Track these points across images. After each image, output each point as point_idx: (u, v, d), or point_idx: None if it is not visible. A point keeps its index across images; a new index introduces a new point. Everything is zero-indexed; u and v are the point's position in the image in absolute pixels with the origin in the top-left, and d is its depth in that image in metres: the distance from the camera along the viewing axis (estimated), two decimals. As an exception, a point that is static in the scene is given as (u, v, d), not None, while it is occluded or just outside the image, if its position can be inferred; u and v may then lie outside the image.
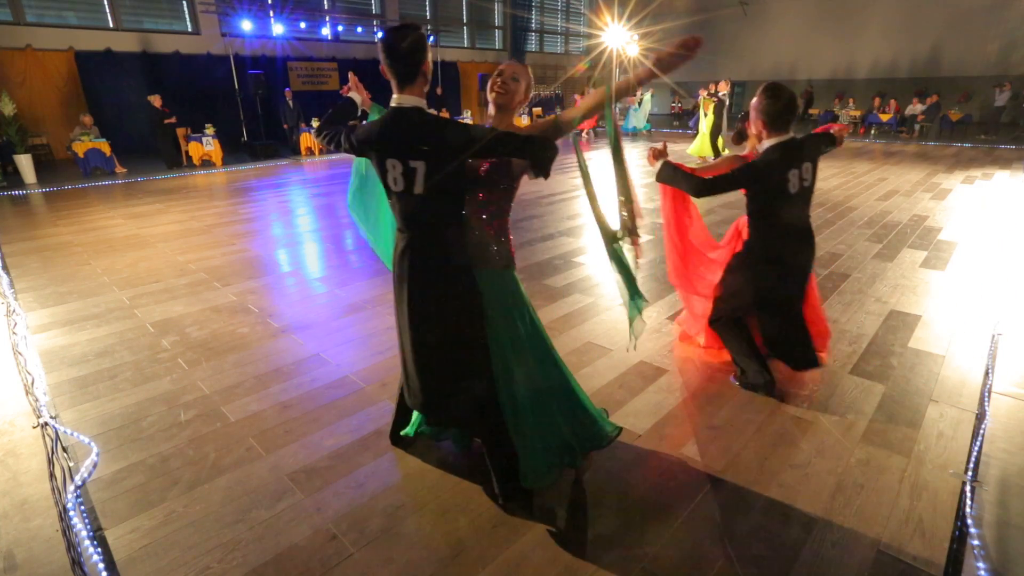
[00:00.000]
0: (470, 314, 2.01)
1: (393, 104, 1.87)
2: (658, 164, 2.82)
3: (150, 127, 11.33)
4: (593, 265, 5.09)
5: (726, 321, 2.99)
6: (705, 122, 11.47)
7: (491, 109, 2.12)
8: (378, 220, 2.60)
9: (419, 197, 1.85)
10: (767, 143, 2.65)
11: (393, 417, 2.54)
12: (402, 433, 2.52)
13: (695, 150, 11.67)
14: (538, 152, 1.83)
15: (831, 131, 2.90)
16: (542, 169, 1.86)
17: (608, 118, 1.94)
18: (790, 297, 2.83)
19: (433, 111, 1.89)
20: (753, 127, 2.73)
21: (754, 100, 2.63)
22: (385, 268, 5.28)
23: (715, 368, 3.20)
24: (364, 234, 2.68)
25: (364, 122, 2.01)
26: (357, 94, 2.31)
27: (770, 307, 2.84)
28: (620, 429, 2.38)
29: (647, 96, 16.61)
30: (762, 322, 2.93)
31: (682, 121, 18.05)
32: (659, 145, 2.90)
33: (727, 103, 11.42)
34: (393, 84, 1.86)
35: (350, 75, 2.31)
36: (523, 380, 2.12)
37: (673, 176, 2.84)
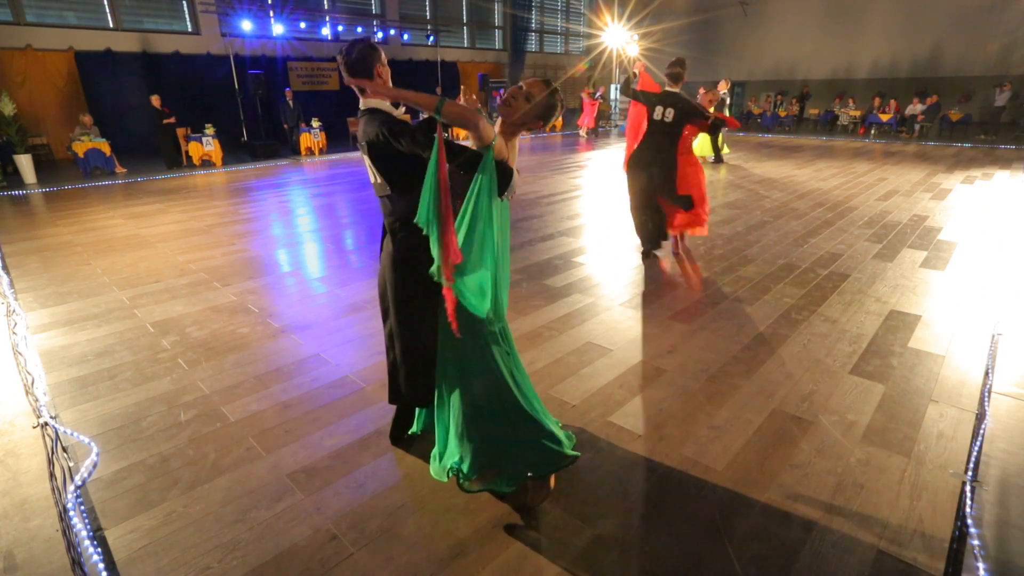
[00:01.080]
0: (413, 304, 2.19)
1: (360, 107, 2.09)
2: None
3: (150, 127, 11.32)
4: (593, 265, 5.09)
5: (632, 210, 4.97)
6: None
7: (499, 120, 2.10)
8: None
9: (378, 186, 2.15)
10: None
11: (394, 417, 2.56)
12: (409, 432, 2.58)
13: (696, 150, 11.62)
14: (417, 147, 1.91)
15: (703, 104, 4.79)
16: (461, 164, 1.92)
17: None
18: (645, 190, 4.72)
19: (392, 109, 2.04)
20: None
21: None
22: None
23: (715, 368, 3.20)
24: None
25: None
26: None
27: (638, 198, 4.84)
28: (576, 457, 2.17)
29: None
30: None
31: None
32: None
33: (728, 102, 11.39)
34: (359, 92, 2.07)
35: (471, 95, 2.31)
36: (472, 389, 2.12)
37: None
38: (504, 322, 2.14)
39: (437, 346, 2.16)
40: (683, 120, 4.50)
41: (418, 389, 2.29)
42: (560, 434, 2.23)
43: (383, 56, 2.06)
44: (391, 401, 2.48)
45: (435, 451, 2.30)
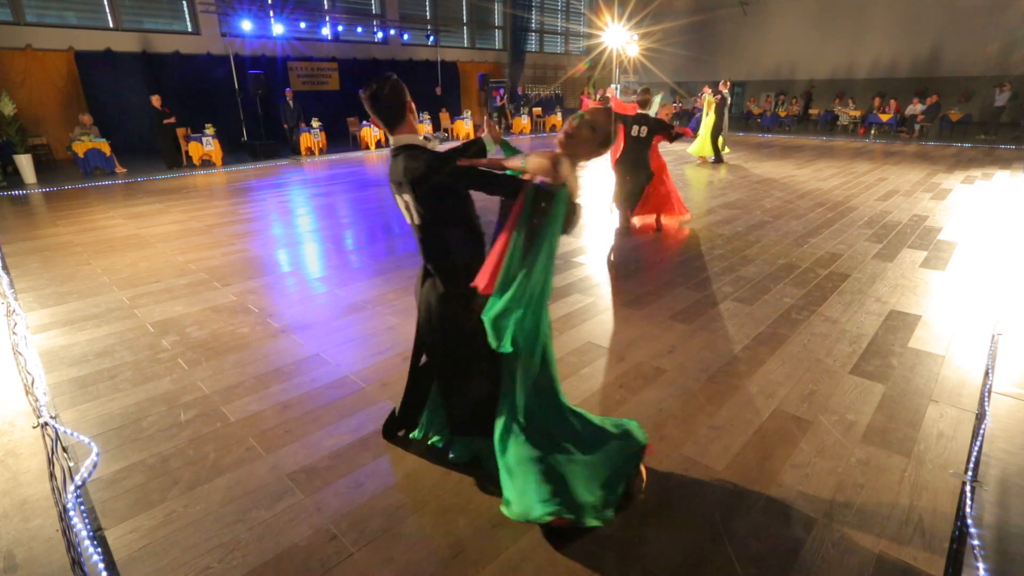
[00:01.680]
0: (461, 336, 2.13)
1: (392, 144, 2.05)
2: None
3: (150, 127, 11.32)
4: (593, 265, 5.09)
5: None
6: (706, 122, 11.44)
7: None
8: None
9: (418, 228, 2.08)
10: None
11: (396, 412, 2.54)
12: (411, 436, 2.56)
13: (695, 150, 11.65)
14: (499, 191, 1.97)
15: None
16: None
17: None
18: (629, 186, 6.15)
19: (425, 142, 2.02)
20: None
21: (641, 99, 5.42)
22: (384, 268, 5.30)
23: (715, 368, 3.20)
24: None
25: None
26: (489, 136, 2.14)
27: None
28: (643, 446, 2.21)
29: (657, 98, 16.59)
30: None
31: (682, 121, 18.05)
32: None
33: (729, 101, 11.38)
34: (385, 130, 2.05)
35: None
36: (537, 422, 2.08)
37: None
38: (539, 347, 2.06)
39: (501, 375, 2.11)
40: (653, 134, 5.96)
41: (479, 420, 2.19)
42: (625, 427, 2.25)
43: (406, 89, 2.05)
44: (400, 415, 2.53)
45: (508, 498, 2.01)
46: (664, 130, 5.96)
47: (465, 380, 2.21)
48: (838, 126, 17.32)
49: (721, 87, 11.22)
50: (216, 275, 4.90)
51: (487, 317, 1.92)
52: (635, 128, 5.91)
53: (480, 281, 1.93)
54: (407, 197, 2.01)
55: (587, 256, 5.36)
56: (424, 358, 2.40)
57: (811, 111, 18.25)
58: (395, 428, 2.58)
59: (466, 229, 2.10)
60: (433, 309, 2.18)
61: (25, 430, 2.68)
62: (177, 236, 6.22)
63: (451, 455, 2.39)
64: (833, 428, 2.64)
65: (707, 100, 11.23)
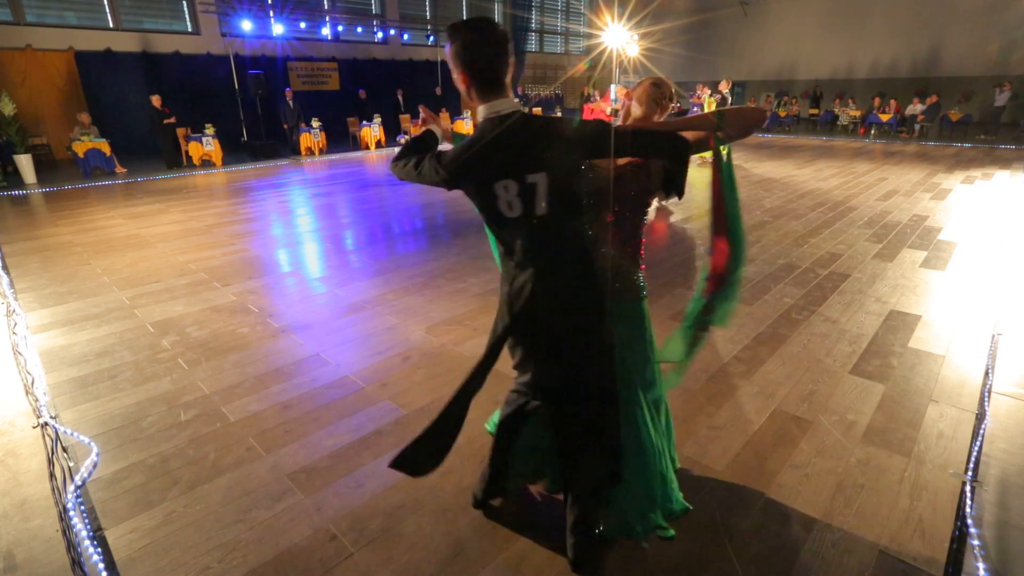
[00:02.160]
0: (607, 358, 1.72)
1: (489, 115, 1.52)
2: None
3: (150, 127, 11.32)
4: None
5: None
6: None
7: (637, 111, 1.90)
8: None
9: (542, 219, 1.53)
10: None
11: (487, 479, 2.07)
12: (508, 486, 2.11)
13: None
14: (682, 152, 1.62)
15: None
16: (677, 185, 1.72)
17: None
18: None
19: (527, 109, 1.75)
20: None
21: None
22: (384, 268, 5.30)
23: (715, 368, 3.20)
24: None
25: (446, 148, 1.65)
26: (436, 127, 1.82)
27: None
28: (687, 508, 2.08)
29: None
30: None
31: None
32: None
33: (729, 101, 11.35)
34: (475, 92, 1.52)
35: (422, 108, 1.93)
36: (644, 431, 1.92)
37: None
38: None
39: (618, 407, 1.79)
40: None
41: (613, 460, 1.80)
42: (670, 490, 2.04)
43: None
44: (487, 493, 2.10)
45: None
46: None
47: (616, 425, 1.78)
48: (838, 126, 17.32)
49: (721, 87, 11.19)
50: (216, 275, 4.90)
51: (728, 308, 1.75)
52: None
53: (716, 265, 1.74)
54: (537, 178, 1.49)
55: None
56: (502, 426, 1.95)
57: (811, 111, 18.23)
58: (490, 500, 2.13)
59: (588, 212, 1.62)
60: (586, 335, 1.66)
61: (25, 430, 2.68)
62: (177, 236, 6.22)
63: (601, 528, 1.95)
64: (833, 428, 2.64)
65: (707, 100, 11.20)
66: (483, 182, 1.52)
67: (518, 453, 1.97)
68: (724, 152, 1.80)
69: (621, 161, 1.79)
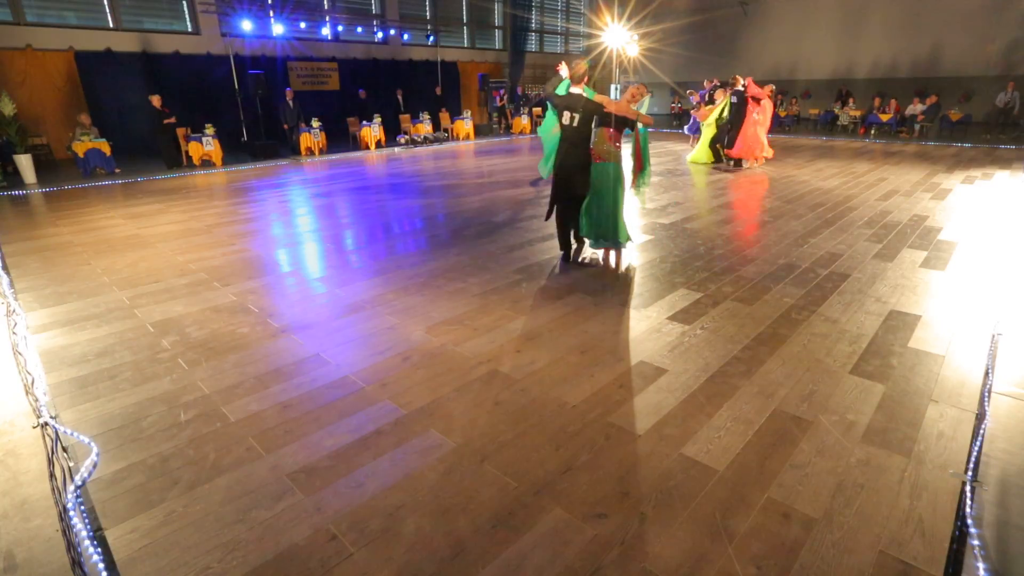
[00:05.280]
0: (583, 184, 4.83)
1: (571, 90, 4.74)
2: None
3: (150, 127, 11.32)
4: (593, 265, 5.09)
5: None
6: (706, 132, 11.15)
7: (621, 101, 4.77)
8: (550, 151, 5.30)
9: (572, 127, 4.66)
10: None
11: (567, 253, 5.16)
12: (583, 235, 5.12)
13: (694, 158, 11.45)
14: (630, 123, 4.78)
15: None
16: (629, 129, 4.86)
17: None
18: None
19: (582, 92, 4.68)
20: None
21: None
22: (384, 268, 5.30)
23: (715, 368, 3.20)
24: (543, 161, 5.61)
25: (556, 95, 4.82)
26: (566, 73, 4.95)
27: None
28: (629, 239, 5.25)
29: (646, 98, 16.53)
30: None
31: (681, 121, 18.02)
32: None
33: (733, 101, 11.03)
34: (571, 82, 4.78)
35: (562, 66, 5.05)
36: (596, 208, 5.01)
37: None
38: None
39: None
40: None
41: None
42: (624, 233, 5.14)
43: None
44: (574, 237, 5.16)
45: (584, 235, 5.12)
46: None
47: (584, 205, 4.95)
48: (838, 126, 17.31)
49: (736, 81, 10.81)
50: (216, 275, 4.90)
51: (647, 172, 5.14)
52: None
53: (636, 169, 5.10)
54: (575, 112, 4.61)
55: (587, 256, 5.36)
56: (555, 213, 5.03)
57: (811, 111, 18.14)
58: (571, 256, 5.14)
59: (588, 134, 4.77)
60: (579, 171, 4.77)
61: (25, 430, 2.68)
62: (177, 236, 6.22)
63: (590, 244, 5.24)
64: (833, 428, 2.64)
65: (721, 96, 10.82)
66: (561, 109, 4.73)
67: (562, 227, 5.09)
68: (640, 128, 4.85)
69: (619, 112, 4.63)
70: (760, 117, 10.71)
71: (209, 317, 4.01)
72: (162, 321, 3.94)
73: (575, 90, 4.71)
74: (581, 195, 4.77)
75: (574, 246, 5.17)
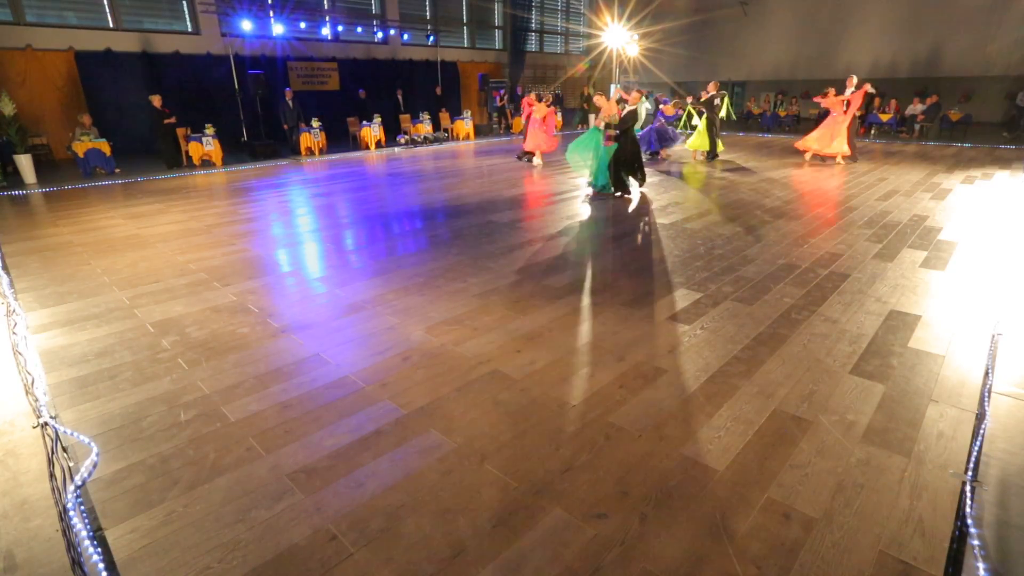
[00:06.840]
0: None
1: (627, 107, 8.05)
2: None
3: (150, 127, 11.32)
4: (593, 266, 5.09)
5: None
6: (701, 122, 11.62)
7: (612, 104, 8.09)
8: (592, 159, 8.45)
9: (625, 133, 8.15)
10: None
11: (620, 192, 7.99)
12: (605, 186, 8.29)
13: (693, 145, 11.78)
14: (625, 123, 8.01)
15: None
16: (623, 128, 8.02)
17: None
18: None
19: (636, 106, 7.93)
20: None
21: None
22: (384, 268, 5.31)
23: (715, 368, 3.20)
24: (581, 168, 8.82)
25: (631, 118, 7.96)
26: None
27: None
28: (609, 188, 8.22)
29: (643, 99, 16.54)
30: None
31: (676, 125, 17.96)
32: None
33: (716, 102, 11.42)
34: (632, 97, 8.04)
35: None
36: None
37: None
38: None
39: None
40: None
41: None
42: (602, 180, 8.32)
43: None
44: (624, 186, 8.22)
45: (593, 179, 8.43)
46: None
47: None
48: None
49: (711, 88, 11.48)
50: (216, 275, 4.90)
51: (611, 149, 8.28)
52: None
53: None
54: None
55: (587, 256, 5.36)
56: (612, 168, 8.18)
57: (811, 111, 18.11)
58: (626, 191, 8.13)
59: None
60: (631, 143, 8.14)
61: (25, 430, 2.68)
62: (177, 236, 6.22)
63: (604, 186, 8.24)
64: (833, 428, 2.64)
65: (690, 108, 12.02)
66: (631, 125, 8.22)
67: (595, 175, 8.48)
68: (613, 123, 7.97)
69: (623, 114, 7.94)
70: (837, 114, 11.00)
71: (209, 317, 4.01)
72: (162, 321, 3.94)
73: (629, 107, 7.79)
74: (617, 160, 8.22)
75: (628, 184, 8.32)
